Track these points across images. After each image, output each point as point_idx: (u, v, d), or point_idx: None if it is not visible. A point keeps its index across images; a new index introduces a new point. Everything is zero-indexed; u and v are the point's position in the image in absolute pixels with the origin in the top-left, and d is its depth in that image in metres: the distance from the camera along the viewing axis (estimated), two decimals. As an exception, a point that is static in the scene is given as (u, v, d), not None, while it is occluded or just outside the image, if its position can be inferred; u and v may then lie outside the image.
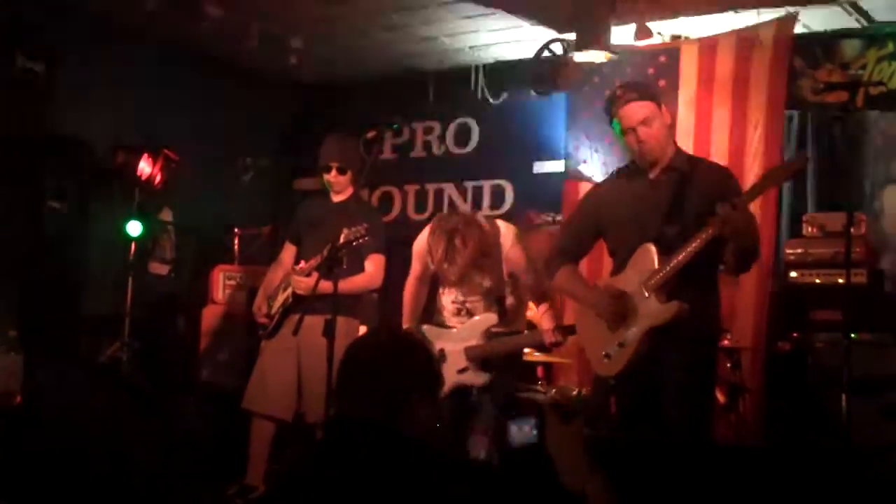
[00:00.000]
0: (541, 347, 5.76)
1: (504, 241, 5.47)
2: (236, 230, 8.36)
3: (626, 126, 4.49)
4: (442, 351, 5.41)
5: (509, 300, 5.55)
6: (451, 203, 8.69)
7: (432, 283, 5.68)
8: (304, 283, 5.74)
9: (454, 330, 5.48)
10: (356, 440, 2.69)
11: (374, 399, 2.75)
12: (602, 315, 4.47)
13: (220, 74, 8.70)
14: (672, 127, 4.62)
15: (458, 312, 5.48)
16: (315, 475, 2.67)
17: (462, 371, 5.39)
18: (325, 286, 5.20)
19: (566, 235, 4.91)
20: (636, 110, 4.47)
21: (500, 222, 5.62)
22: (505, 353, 5.47)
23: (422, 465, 2.62)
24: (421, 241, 5.64)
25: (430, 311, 5.64)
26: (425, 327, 5.58)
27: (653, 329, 4.32)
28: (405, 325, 5.59)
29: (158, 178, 8.02)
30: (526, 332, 5.63)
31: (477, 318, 5.43)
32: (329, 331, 4.83)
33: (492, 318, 5.43)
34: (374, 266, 5.90)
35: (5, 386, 6.25)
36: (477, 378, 5.39)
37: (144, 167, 7.98)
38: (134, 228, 7.82)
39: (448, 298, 5.52)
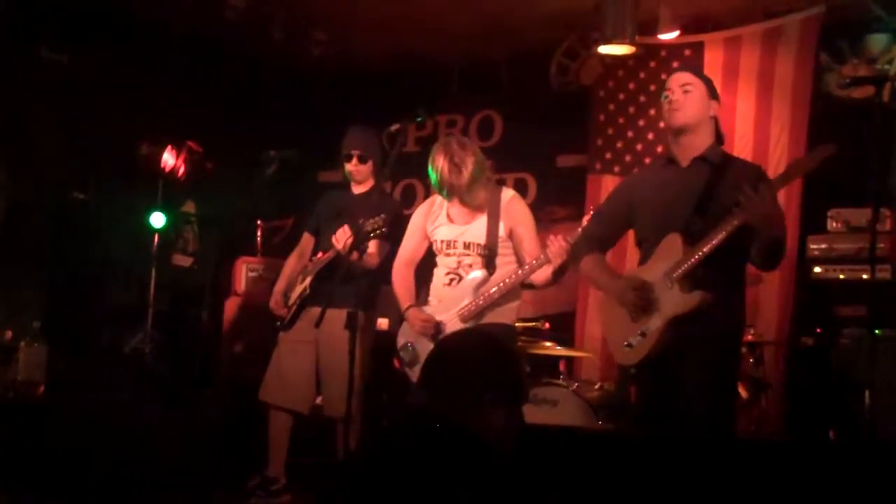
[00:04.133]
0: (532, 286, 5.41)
1: (504, 195, 5.36)
2: (259, 222, 8.37)
3: (666, 88, 4.54)
4: (439, 324, 5.29)
5: (504, 268, 5.29)
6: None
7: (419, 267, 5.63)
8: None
9: (445, 300, 5.34)
10: (422, 431, 2.69)
11: (448, 393, 2.75)
12: (625, 305, 4.46)
13: (245, 66, 8.71)
14: (714, 120, 4.58)
15: (450, 283, 5.35)
16: (376, 461, 2.67)
17: None
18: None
19: (596, 222, 4.86)
20: (682, 76, 4.53)
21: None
22: (499, 299, 5.22)
23: (474, 466, 2.61)
24: (419, 213, 5.58)
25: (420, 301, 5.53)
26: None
27: (675, 318, 4.30)
28: (405, 306, 5.42)
29: (182, 170, 8.05)
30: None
31: (466, 279, 5.29)
32: (351, 324, 4.83)
33: (480, 274, 5.25)
34: (374, 248, 5.84)
35: (29, 376, 6.30)
36: None
37: (168, 159, 8.02)
38: (157, 220, 7.85)
39: (441, 271, 5.40)
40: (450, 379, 2.82)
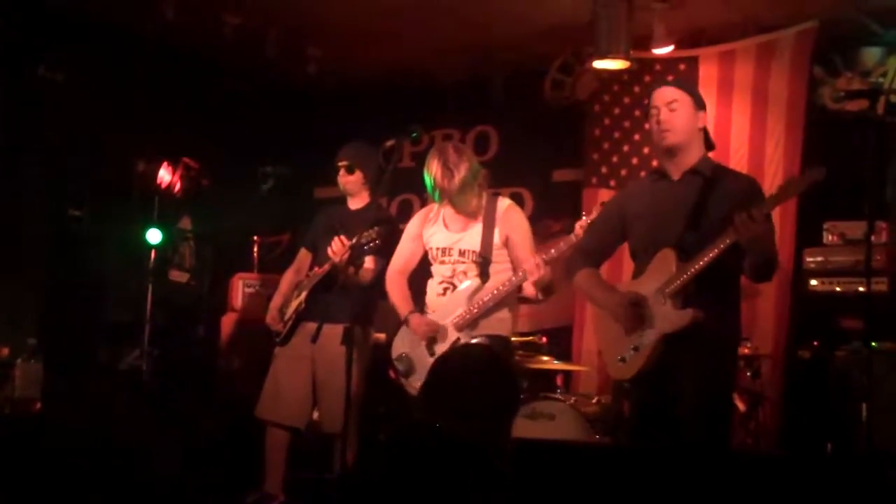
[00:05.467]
0: (528, 297, 5.47)
1: (500, 204, 5.38)
2: (256, 238, 8.37)
3: (652, 105, 4.52)
4: (440, 328, 5.31)
5: (498, 276, 5.31)
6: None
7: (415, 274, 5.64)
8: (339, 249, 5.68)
9: (439, 310, 5.36)
10: (422, 444, 2.69)
11: (446, 408, 2.75)
12: (619, 320, 4.46)
13: (241, 83, 8.72)
14: (703, 130, 4.57)
15: (444, 292, 5.37)
16: (373, 475, 2.68)
17: (456, 343, 5.24)
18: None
19: (589, 235, 4.87)
20: (666, 93, 4.50)
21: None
22: (492, 308, 5.25)
23: (472, 480, 2.62)
24: (415, 220, 5.62)
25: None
26: None
27: (667, 335, 4.31)
28: (405, 312, 5.42)
29: (178, 186, 8.05)
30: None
31: (459, 288, 5.31)
32: (348, 339, 4.83)
33: (473, 283, 5.28)
34: (370, 263, 5.84)
35: (25, 393, 6.29)
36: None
37: (164, 175, 8.01)
38: (154, 237, 7.84)
39: (435, 280, 5.42)
40: (449, 394, 2.83)
